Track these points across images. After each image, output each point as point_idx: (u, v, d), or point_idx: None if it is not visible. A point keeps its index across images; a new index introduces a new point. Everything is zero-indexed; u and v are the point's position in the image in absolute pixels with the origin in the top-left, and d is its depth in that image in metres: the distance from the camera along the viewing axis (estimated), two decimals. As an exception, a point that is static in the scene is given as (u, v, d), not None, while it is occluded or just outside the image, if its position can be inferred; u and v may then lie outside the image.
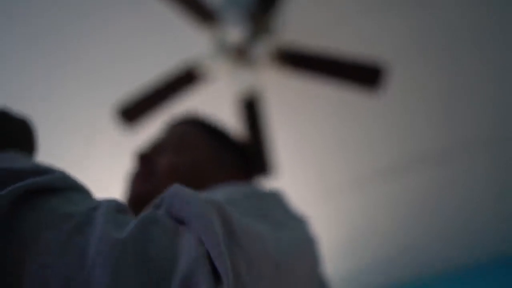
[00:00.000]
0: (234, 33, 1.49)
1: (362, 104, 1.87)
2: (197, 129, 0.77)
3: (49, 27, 1.55)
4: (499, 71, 1.80)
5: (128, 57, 1.66)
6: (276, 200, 0.54)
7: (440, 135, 2.01)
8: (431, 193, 2.27)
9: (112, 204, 0.34)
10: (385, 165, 2.12)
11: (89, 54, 1.63)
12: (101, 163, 1.97)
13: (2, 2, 1.47)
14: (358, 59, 1.49)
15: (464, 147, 2.06)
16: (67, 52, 1.62)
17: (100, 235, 0.30)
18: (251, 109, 1.64)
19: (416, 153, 2.08)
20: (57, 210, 0.31)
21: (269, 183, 2.12)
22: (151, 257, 0.30)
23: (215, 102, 1.83)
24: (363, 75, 1.50)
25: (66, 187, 0.35)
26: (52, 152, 1.89)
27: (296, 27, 1.64)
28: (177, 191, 0.38)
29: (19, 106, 1.74)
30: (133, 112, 1.62)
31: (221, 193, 0.49)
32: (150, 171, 0.70)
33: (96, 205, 0.34)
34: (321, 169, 2.11)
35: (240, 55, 1.52)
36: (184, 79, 1.57)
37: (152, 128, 1.89)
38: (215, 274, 0.32)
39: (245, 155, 0.78)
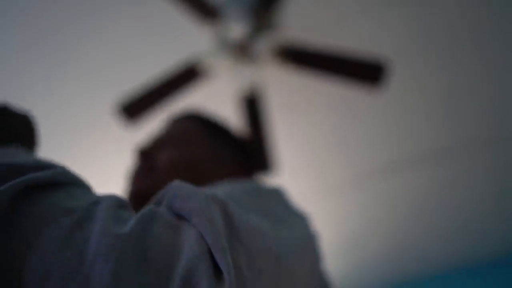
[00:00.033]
0: (236, 29, 1.49)
1: (363, 101, 1.87)
2: (197, 125, 0.76)
3: (50, 24, 1.54)
4: (499, 71, 1.79)
5: (130, 53, 1.66)
6: (277, 197, 0.53)
7: (440, 134, 2.01)
8: (431, 191, 2.27)
9: (113, 200, 0.34)
10: (386, 162, 2.12)
11: (90, 51, 1.63)
12: (103, 160, 1.97)
13: (2, 2, 1.46)
14: (360, 56, 1.49)
15: (464, 147, 2.06)
16: (68, 49, 1.62)
17: (101, 230, 0.30)
18: (252, 106, 1.64)
19: (416, 151, 2.08)
20: (57, 205, 0.31)
21: (269, 180, 2.13)
22: (151, 253, 0.30)
23: (217, 99, 1.83)
24: (365, 72, 1.50)
25: (67, 182, 0.35)
26: (54, 148, 1.90)
27: (296, 26, 1.63)
28: (178, 187, 0.38)
29: (20, 104, 1.74)
30: (134, 108, 1.62)
31: (221, 189, 0.49)
32: (150, 167, 0.69)
33: (97, 200, 0.33)
34: (321, 166, 2.11)
35: (242, 51, 1.52)
36: (186, 76, 1.57)
37: (153, 124, 1.89)
38: (216, 270, 0.32)
39: (246, 152, 0.78)
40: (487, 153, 2.10)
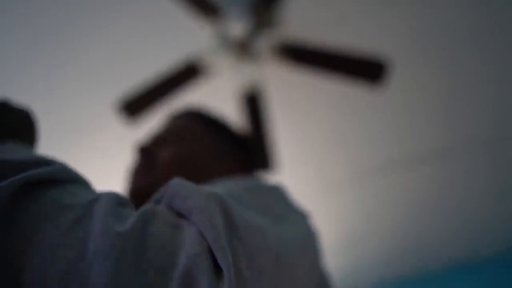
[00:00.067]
0: (237, 27, 1.49)
1: (363, 99, 1.87)
2: (198, 122, 0.76)
3: (50, 23, 1.54)
4: (499, 71, 1.79)
5: (130, 51, 1.66)
6: (277, 194, 0.53)
7: (440, 134, 2.01)
8: (431, 190, 2.27)
9: (112, 197, 0.34)
10: (385, 160, 2.12)
11: (91, 49, 1.63)
12: (104, 157, 1.97)
13: (2, 2, 1.46)
14: (360, 54, 1.49)
15: (464, 146, 2.06)
16: (68, 48, 1.61)
17: (100, 228, 0.29)
18: (253, 104, 1.64)
19: (416, 150, 2.08)
20: (57, 202, 0.31)
21: (269, 177, 2.13)
22: (151, 251, 0.30)
23: (217, 97, 1.83)
24: (365, 69, 1.50)
25: (66, 179, 0.35)
26: (55, 146, 1.90)
27: (296, 26, 1.63)
28: (178, 185, 0.38)
29: (21, 101, 1.74)
30: (135, 106, 1.62)
31: (222, 187, 0.49)
32: (150, 164, 0.69)
33: (97, 197, 0.33)
34: (321, 164, 2.11)
35: (243, 49, 1.52)
36: (187, 74, 1.57)
37: (154, 122, 1.89)
38: (216, 268, 0.32)
39: (247, 149, 0.78)
40: (487, 152, 2.10)
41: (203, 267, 0.30)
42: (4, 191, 0.29)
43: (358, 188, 2.24)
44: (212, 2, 1.41)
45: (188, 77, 1.58)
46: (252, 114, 1.65)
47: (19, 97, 1.73)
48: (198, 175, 0.68)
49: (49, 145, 1.89)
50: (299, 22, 1.63)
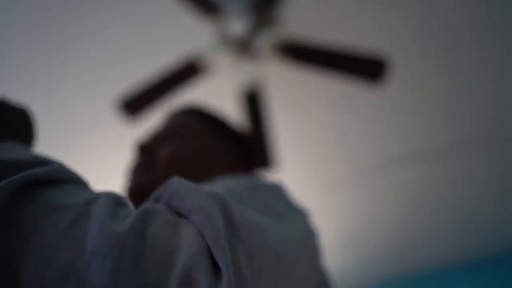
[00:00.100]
0: (237, 25, 1.49)
1: (363, 98, 1.87)
2: (198, 120, 0.75)
3: (50, 22, 1.54)
4: (499, 70, 1.79)
5: (130, 49, 1.66)
6: (277, 192, 0.53)
7: (440, 133, 2.01)
8: (431, 188, 2.27)
9: (110, 197, 0.34)
10: (386, 159, 2.12)
11: (91, 47, 1.63)
12: (104, 156, 1.97)
13: (2, 2, 1.46)
14: (361, 52, 1.49)
15: (464, 146, 2.06)
16: (68, 46, 1.61)
17: (98, 228, 0.29)
18: (253, 102, 1.63)
19: (416, 148, 2.08)
20: (55, 202, 0.31)
21: (270, 176, 2.13)
22: (150, 250, 0.29)
23: (217, 95, 1.83)
24: (365, 68, 1.49)
25: (64, 178, 0.35)
26: (55, 145, 1.90)
27: (296, 26, 1.63)
28: (176, 184, 0.38)
29: (21, 101, 1.74)
30: (135, 104, 1.61)
31: (222, 185, 0.49)
32: (150, 162, 0.68)
33: (95, 197, 0.33)
34: (321, 162, 2.11)
35: (243, 47, 1.51)
36: (187, 72, 1.57)
37: (154, 120, 1.89)
38: (216, 268, 0.31)
39: (247, 147, 0.77)
40: (487, 152, 2.10)
41: (202, 266, 0.30)
42: (4, 191, 0.29)
43: (358, 186, 2.24)
44: (212, 0, 1.40)
45: (188, 75, 1.57)
46: (252, 112, 1.65)
47: (19, 96, 1.73)
48: (198, 173, 0.67)
49: (49, 143, 1.89)
50: (299, 22, 1.62)
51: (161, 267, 0.29)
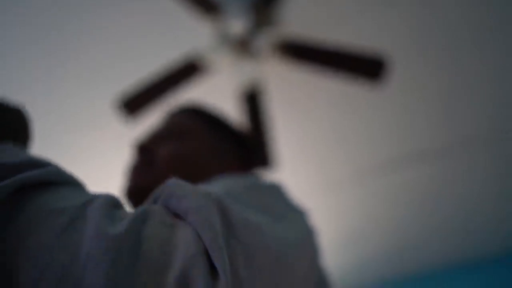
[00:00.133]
0: (237, 25, 1.48)
1: (363, 97, 1.87)
2: (197, 119, 0.75)
3: (49, 21, 1.54)
4: (498, 70, 1.79)
5: (130, 49, 1.66)
6: (276, 192, 0.53)
7: (439, 132, 2.00)
8: (431, 188, 2.27)
9: (106, 199, 0.34)
10: (386, 159, 2.11)
11: (90, 47, 1.63)
12: (104, 156, 1.97)
13: (2, 1, 1.46)
14: (360, 51, 1.49)
15: (464, 146, 2.06)
16: (68, 46, 1.61)
17: (93, 230, 0.29)
18: (253, 101, 1.63)
19: (416, 148, 2.08)
20: (51, 204, 0.31)
21: (269, 175, 2.13)
22: (146, 252, 0.29)
23: (217, 94, 1.83)
24: (365, 67, 1.49)
25: (60, 181, 0.35)
26: (55, 144, 1.89)
27: (295, 26, 1.63)
28: (173, 185, 0.37)
29: (20, 100, 1.74)
30: (135, 104, 1.61)
31: (221, 185, 0.49)
32: (149, 161, 0.68)
33: (90, 199, 0.33)
34: (321, 162, 2.11)
35: (243, 47, 1.51)
36: (186, 71, 1.56)
37: (154, 120, 1.89)
38: (213, 269, 0.31)
39: (246, 146, 0.77)
40: (487, 152, 2.10)
41: (199, 268, 0.30)
42: (3, 192, 0.29)
43: (358, 186, 2.23)
44: (212, 0, 1.40)
45: (188, 74, 1.57)
46: (252, 112, 1.65)
47: (19, 96, 1.73)
48: (197, 173, 0.67)
49: (49, 143, 1.89)
50: (299, 22, 1.62)
51: (158, 268, 0.29)
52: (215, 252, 0.31)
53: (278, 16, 1.58)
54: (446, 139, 2.03)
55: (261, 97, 1.63)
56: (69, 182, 0.36)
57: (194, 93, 1.81)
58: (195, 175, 0.67)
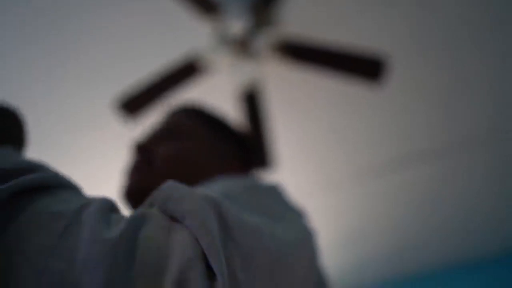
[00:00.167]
0: (236, 25, 1.48)
1: (363, 97, 1.87)
2: (196, 119, 0.75)
3: (49, 21, 1.54)
4: (498, 70, 1.79)
5: (129, 49, 1.66)
6: (274, 193, 0.53)
7: (439, 132, 2.00)
8: (430, 188, 2.27)
9: (103, 202, 0.34)
10: (385, 158, 2.11)
11: (90, 47, 1.63)
12: (103, 156, 1.97)
13: (2, 1, 1.46)
14: (360, 51, 1.48)
15: (463, 146, 2.06)
16: (68, 46, 1.61)
17: (90, 234, 0.29)
18: (252, 102, 1.63)
19: (415, 148, 2.08)
20: (48, 209, 0.31)
21: (269, 176, 2.12)
22: (143, 256, 0.29)
23: (216, 94, 1.83)
24: (365, 67, 1.49)
25: (58, 184, 0.35)
26: (54, 145, 1.89)
27: (295, 26, 1.63)
28: (170, 188, 0.37)
29: (20, 101, 1.74)
30: (134, 104, 1.61)
31: (219, 186, 0.49)
32: (148, 161, 0.68)
33: (87, 203, 0.33)
34: (321, 162, 2.11)
35: (242, 47, 1.51)
36: (186, 71, 1.56)
37: (153, 120, 1.89)
38: (210, 272, 0.31)
39: (245, 146, 0.77)
40: (486, 152, 2.10)
41: (196, 271, 0.30)
42: (0, 196, 0.29)
43: (357, 186, 2.23)
44: (212, 0, 1.40)
45: (187, 75, 1.57)
46: (251, 112, 1.65)
47: (18, 96, 1.73)
48: (197, 173, 0.67)
49: (49, 143, 1.89)
50: (298, 22, 1.62)
51: (154, 272, 0.29)
52: (212, 256, 0.31)
53: (277, 16, 1.58)
54: (446, 139, 2.03)
55: (260, 97, 1.63)
56: (66, 186, 0.36)
57: (194, 93, 1.81)
58: (195, 175, 0.67)
